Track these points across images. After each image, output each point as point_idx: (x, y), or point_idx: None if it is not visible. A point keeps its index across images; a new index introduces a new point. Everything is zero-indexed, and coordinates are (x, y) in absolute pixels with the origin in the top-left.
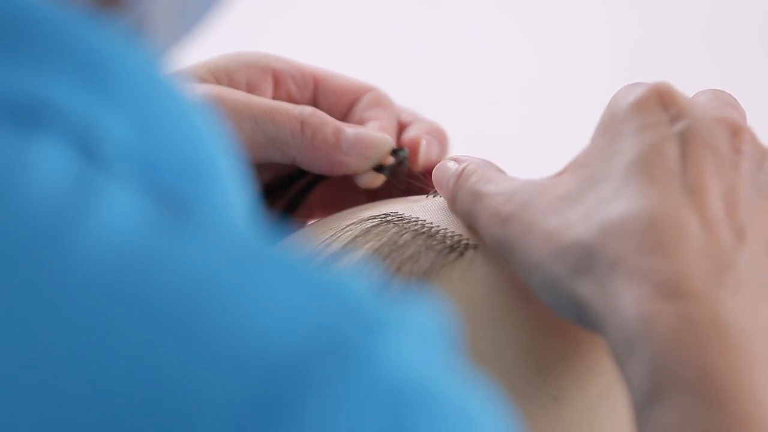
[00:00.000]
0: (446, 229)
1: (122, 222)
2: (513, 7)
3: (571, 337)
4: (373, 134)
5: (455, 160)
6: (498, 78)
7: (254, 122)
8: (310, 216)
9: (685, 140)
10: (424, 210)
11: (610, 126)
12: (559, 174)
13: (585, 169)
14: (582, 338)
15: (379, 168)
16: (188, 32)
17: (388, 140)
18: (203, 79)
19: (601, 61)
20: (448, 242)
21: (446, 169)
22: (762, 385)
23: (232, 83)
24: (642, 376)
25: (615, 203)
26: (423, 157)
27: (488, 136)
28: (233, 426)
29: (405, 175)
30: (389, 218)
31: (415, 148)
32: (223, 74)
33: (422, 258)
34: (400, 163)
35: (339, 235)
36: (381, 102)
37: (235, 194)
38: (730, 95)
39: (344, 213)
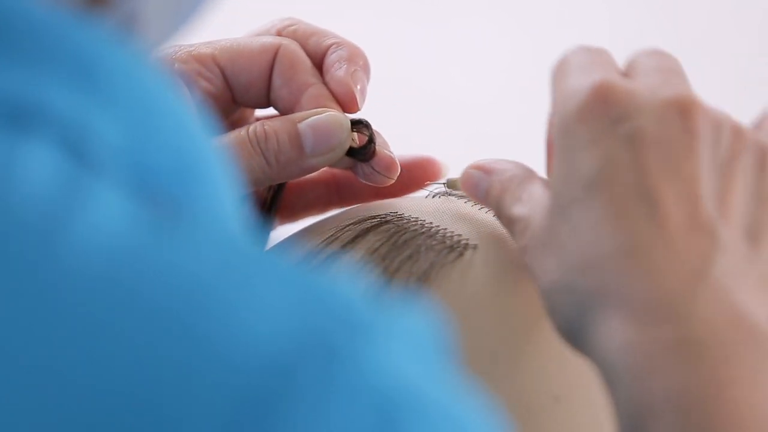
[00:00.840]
0: (446, 229)
1: (111, 223)
2: (512, 6)
3: None
4: (327, 118)
5: (481, 169)
6: (497, 76)
7: None
8: (292, 217)
9: (633, 144)
10: (423, 210)
11: (563, 136)
12: (540, 188)
13: (553, 189)
14: None
15: (351, 152)
16: (178, 30)
17: (342, 117)
18: None
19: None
20: (448, 242)
21: (476, 182)
22: (747, 395)
23: None
24: (625, 404)
25: (581, 236)
26: (362, 102)
27: (487, 135)
28: (221, 427)
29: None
30: (389, 218)
31: (351, 98)
32: None
33: (422, 258)
34: (370, 139)
35: (339, 235)
36: (295, 65)
37: (225, 195)
38: (666, 55)
39: (344, 213)
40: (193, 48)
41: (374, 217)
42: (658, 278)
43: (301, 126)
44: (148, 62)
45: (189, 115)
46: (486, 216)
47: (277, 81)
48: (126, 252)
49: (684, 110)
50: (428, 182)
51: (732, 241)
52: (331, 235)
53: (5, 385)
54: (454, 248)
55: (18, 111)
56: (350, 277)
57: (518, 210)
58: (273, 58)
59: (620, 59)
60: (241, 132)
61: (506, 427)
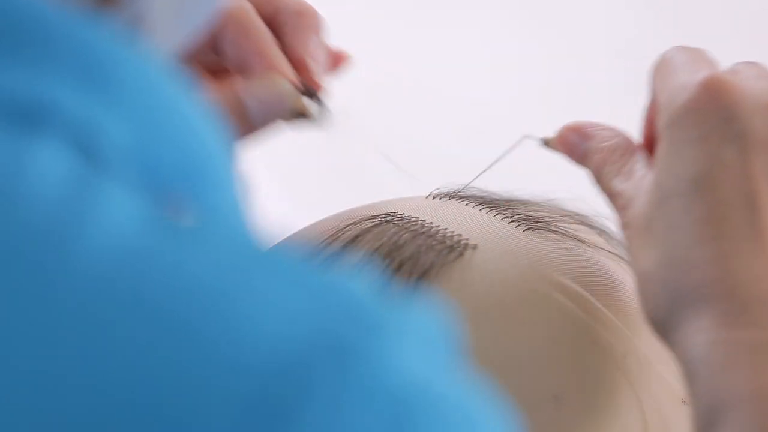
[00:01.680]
0: (446, 229)
1: (122, 224)
2: (518, 8)
3: (572, 336)
4: (270, 86)
5: (579, 132)
6: (500, 77)
7: None
8: None
9: (742, 145)
10: (423, 210)
11: (671, 129)
12: (643, 170)
13: (658, 178)
14: (582, 338)
15: (302, 115)
16: (186, 31)
17: (285, 84)
18: None
19: (609, 62)
20: (448, 242)
21: (572, 145)
22: None
23: None
24: (704, 397)
25: (680, 232)
26: (320, 70)
27: (491, 134)
28: (233, 429)
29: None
30: (389, 218)
31: (304, 67)
32: None
33: (422, 258)
34: (318, 100)
35: (339, 235)
36: (245, 28)
37: (233, 195)
38: (765, 67)
39: (344, 213)
40: None
41: (374, 217)
42: (752, 284)
43: (246, 96)
44: (156, 61)
45: (197, 115)
46: (486, 216)
47: (225, 41)
48: (136, 253)
49: None
50: None
51: None
52: (332, 235)
53: (14, 386)
54: (454, 248)
55: (27, 110)
56: (359, 276)
57: (620, 185)
58: (222, 20)
59: (623, 59)
60: None
61: (515, 423)
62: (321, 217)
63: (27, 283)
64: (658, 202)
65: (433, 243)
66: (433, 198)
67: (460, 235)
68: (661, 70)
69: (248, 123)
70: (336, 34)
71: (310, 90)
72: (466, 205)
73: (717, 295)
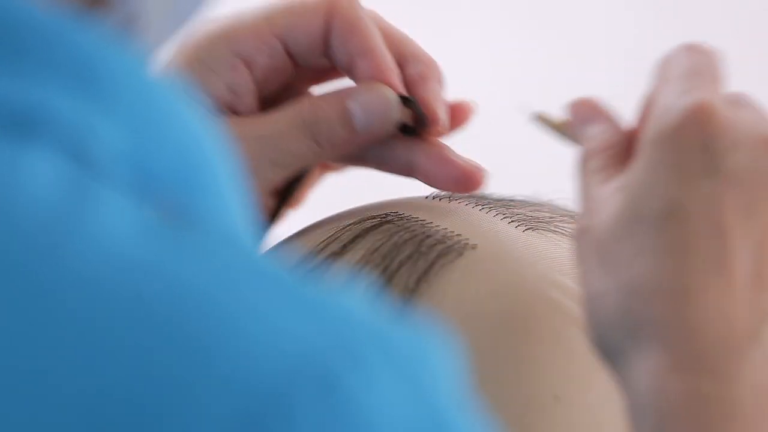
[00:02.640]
0: (446, 228)
1: (117, 229)
2: (519, 8)
3: (572, 336)
4: (377, 96)
5: (591, 109)
6: (504, 77)
7: (271, 163)
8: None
9: (720, 180)
10: (424, 210)
11: (652, 149)
12: (619, 182)
13: (629, 198)
14: (582, 337)
15: (404, 129)
16: (177, 31)
17: (391, 94)
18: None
19: (609, 62)
20: (448, 242)
21: (582, 120)
22: None
23: (217, 100)
24: None
25: (645, 260)
26: (442, 115)
27: (491, 134)
28: None
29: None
30: (389, 218)
31: (428, 106)
32: (204, 95)
33: (422, 258)
34: (420, 117)
35: (339, 235)
36: (353, 25)
37: (232, 201)
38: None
39: (344, 213)
40: (246, 21)
41: (374, 217)
42: (711, 328)
43: (351, 104)
44: (151, 65)
45: (194, 119)
46: (486, 216)
47: (333, 40)
48: (132, 260)
49: None
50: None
51: None
52: (331, 235)
53: (8, 393)
54: (454, 248)
55: (21, 117)
56: (357, 290)
57: (596, 185)
58: (327, 13)
59: (622, 60)
60: (289, 113)
61: None
62: (321, 217)
63: (20, 289)
64: (626, 222)
65: (433, 243)
66: (433, 198)
67: (460, 235)
68: (661, 73)
69: (353, 132)
70: None
71: (411, 102)
72: (466, 205)
73: (673, 335)
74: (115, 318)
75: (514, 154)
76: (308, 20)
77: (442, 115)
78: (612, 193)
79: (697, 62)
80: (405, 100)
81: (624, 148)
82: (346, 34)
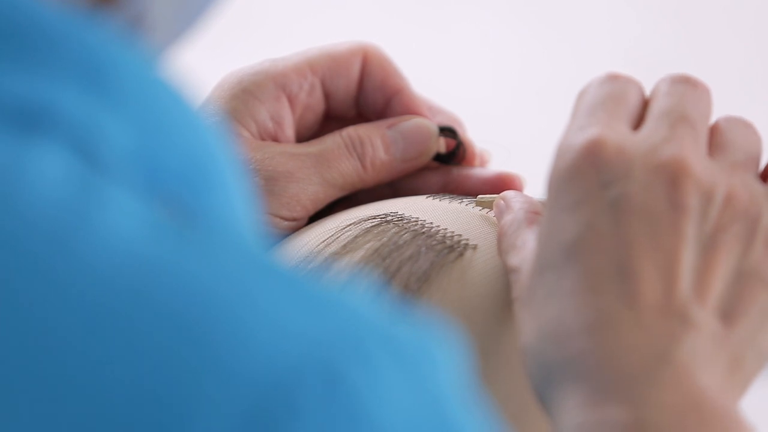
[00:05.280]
0: (446, 229)
1: (125, 227)
2: (519, 8)
3: None
4: (417, 125)
5: (505, 202)
6: (504, 77)
7: (320, 176)
8: None
9: (617, 212)
10: (424, 210)
11: (552, 192)
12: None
13: (537, 247)
14: None
15: (439, 158)
16: (185, 32)
17: (431, 124)
18: (235, 131)
19: (609, 62)
20: (448, 242)
21: (499, 213)
22: None
23: (260, 127)
24: None
25: (553, 304)
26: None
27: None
28: None
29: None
30: (389, 218)
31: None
32: (250, 121)
33: (422, 258)
34: (458, 145)
35: (339, 235)
36: (385, 67)
37: (238, 200)
38: (688, 92)
39: (344, 213)
40: (287, 60)
41: (374, 218)
42: (619, 359)
43: (391, 132)
44: (158, 64)
45: (200, 118)
46: (486, 216)
47: (368, 84)
48: (139, 258)
49: (674, 178)
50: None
51: (705, 323)
52: (332, 236)
53: (16, 387)
54: (454, 248)
55: (30, 114)
56: (360, 289)
57: (512, 259)
58: (363, 60)
59: (623, 60)
60: (335, 137)
61: None
62: (321, 218)
63: (28, 284)
64: (537, 271)
65: (433, 243)
66: (433, 198)
67: (460, 235)
68: (575, 105)
69: (394, 158)
70: (336, 33)
71: (448, 129)
72: (466, 205)
73: (587, 371)
74: (122, 314)
75: (514, 153)
76: (346, 64)
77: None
78: (526, 256)
79: (603, 94)
80: (443, 131)
81: (529, 217)
82: (382, 76)
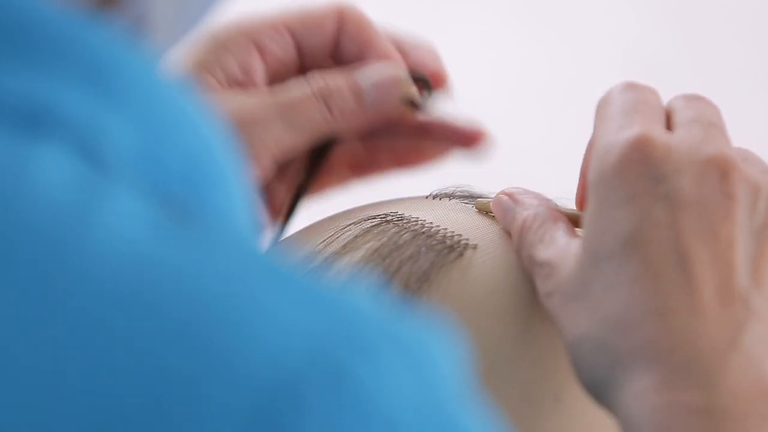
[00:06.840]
0: (446, 229)
1: (127, 228)
2: (519, 8)
3: None
4: (385, 70)
5: (511, 197)
6: (504, 77)
7: (285, 121)
8: (333, 183)
9: (672, 205)
10: (424, 210)
11: (600, 189)
12: (567, 235)
13: (587, 241)
14: None
15: (411, 104)
16: (187, 32)
17: (401, 70)
18: (203, 79)
19: (609, 62)
20: (448, 242)
21: (504, 209)
22: None
23: (228, 76)
24: None
25: (615, 293)
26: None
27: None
28: None
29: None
30: (389, 218)
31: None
32: (217, 68)
33: (422, 258)
34: (429, 91)
35: (339, 235)
36: (362, 23)
37: (239, 200)
38: (707, 104)
39: (344, 213)
40: (265, 18)
41: (374, 218)
42: (691, 344)
43: (361, 79)
44: (160, 64)
45: (202, 118)
46: (486, 216)
47: (345, 40)
48: (142, 259)
49: (723, 172)
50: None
51: (764, 310)
52: (332, 236)
53: (17, 389)
54: (454, 248)
55: (32, 115)
56: (361, 287)
57: (542, 253)
58: (338, 17)
59: (623, 60)
60: (301, 82)
61: None
62: (321, 217)
63: (30, 285)
64: (590, 264)
65: (433, 243)
66: (433, 198)
67: (460, 235)
68: (601, 111)
69: (363, 105)
70: None
71: (421, 78)
72: (466, 204)
73: (656, 357)
74: (125, 315)
75: (515, 154)
76: (320, 19)
77: (448, 75)
78: (565, 248)
79: (631, 99)
80: (416, 80)
81: (553, 214)
82: (357, 31)
